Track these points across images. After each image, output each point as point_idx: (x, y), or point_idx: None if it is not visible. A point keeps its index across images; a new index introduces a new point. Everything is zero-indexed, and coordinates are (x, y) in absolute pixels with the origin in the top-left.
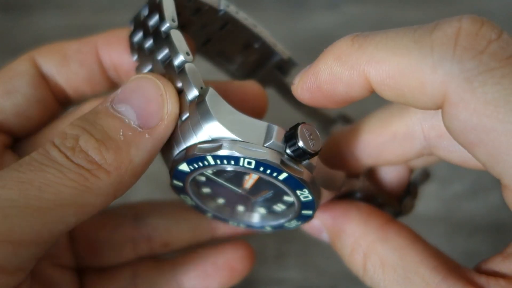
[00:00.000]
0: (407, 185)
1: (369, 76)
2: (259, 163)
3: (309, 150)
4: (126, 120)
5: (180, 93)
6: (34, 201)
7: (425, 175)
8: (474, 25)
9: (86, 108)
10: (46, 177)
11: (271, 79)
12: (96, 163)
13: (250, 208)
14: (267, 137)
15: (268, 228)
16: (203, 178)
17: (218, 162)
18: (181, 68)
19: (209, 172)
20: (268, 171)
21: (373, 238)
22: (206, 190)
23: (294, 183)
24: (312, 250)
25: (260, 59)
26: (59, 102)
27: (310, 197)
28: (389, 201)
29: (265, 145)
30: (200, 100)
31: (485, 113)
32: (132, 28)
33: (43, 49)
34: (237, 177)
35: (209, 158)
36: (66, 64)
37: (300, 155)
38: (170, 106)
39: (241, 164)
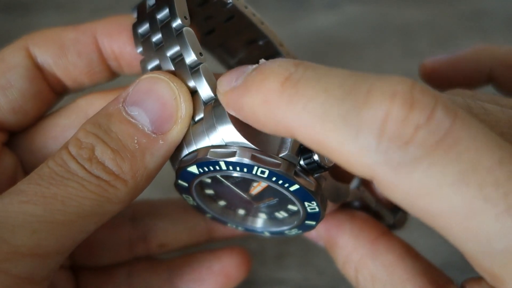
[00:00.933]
0: None
1: (295, 135)
2: (272, 173)
3: (324, 164)
4: (140, 126)
5: (193, 93)
6: (58, 215)
7: None
8: (403, 108)
9: (82, 103)
10: (68, 191)
11: None
12: (113, 174)
13: (251, 213)
14: (282, 147)
15: (267, 234)
16: (208, 180)
17: (231, 168)
18: (195, 68)
19: (217, 175)
20: (280, 182)
21: (364, 253)
22: (209, 191)
23: (304, 195)
24: (312, 250)
25: (262, 57)
26: (56, 93)
27: (317, 209)
28: (385, 213)
29: (280, 155)
30: (216, 104)
31: (416, 198)
32: (135, 17)
33: (37, 38)
34: (245, 183)
35: (222, 164)
36: (63, 55)
37: (314, 169)
38: (184, 110)
39: (254, 172)
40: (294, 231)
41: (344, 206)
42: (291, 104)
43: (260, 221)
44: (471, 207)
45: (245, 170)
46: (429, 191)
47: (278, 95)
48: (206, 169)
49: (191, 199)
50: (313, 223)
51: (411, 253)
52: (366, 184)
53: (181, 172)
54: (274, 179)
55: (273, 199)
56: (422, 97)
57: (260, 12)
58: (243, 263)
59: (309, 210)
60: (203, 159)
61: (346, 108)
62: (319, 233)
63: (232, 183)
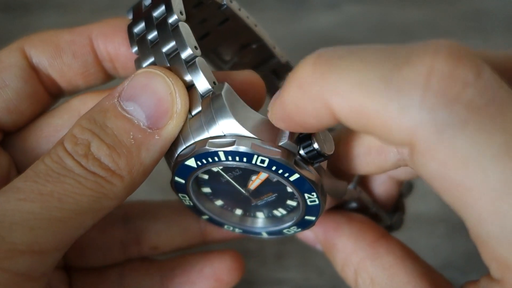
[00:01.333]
0: (397, 200)
1: (332, 108)
2: (272, 161)
3: (323, 152)
4: (135, 121)
5: (189, 87)
6: (55, 212)
7: (409, 187)
8: (449, 63)
9: (75, 102)
10: (65, 187)
11: (265, 83)
12: (110, 170)
13: (248, 212)
14: (281, 136)
15: (265, 235)
16: (205, 176)
17: (230, 158)
18: (191, 62)
19: (215, 169)
20: (280, 171)
21: (364, 255)
22: (206, 189)
23: (304, 185)
24: (312, 250)
25: (255, 61)
26: (51, 95)
27: (317, 202)
28: (383, 214)
29: (279, 144)
30: (215, 95)
31: (453, 167)
32: (130, 18)
33: (33, 39)
34: (243, 177)
35: (221, 154)
36: (58, 56)
37: (314, 157)
38: (180, 104)
39: (253, 161)
40: (293, 229)
41: (341, 208)
42: (325, 78)
43: (258, 221)
44: (509, 185)
45: (244, 159)
46: (468, 161)
47: (310, 74)
48: (205, 161)
49: (187, 198)
50: (313, 218)
51: (410, 256)
52: (363, 184)
53: (178, 167)
54: (274, 168)
55: (272, 195)
56: (468, 54)
57: (260, 12)
58: (235, 267)
59: (309, 203)
60: (202, 151)
61: (385, 70)
62: (316, 235)
63: (230, 178)
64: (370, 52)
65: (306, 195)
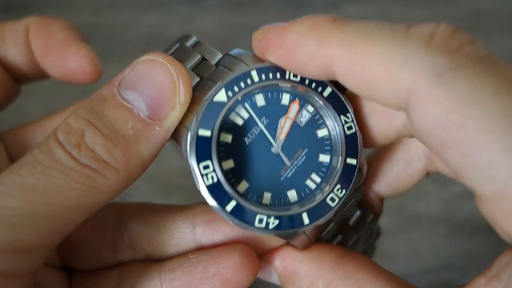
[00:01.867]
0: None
1: (335, 58)
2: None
3: None
4: (135, 110)
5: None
6: (39, 207)
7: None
8: (450, 29)
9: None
10: (50, 181)
11: None
12: (103, 162)
13: (278, 196)
14: None
15: (306, 219)
16: (229, 138)
17: (263, 77)
18: (196, 45)
19: (246, 114)
20: (313, 85)
21: (332, 277)
22: (228, 164)
23: (338, 104)
24: None
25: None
26: (14, 79)
27: (354, 129)
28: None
29: None
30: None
31: (455, 110)
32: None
33: None
34: (272, 123)
35: (253, 74)
36: (3, 44)
37: None
38: (183, 94)
39: (287, 77)
40: (337, 194)
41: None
42: (339, 30)
43: (293, 206)
44: None
45: (278, 75)
46: (468, 101)
47: (328, 23)
48: (236, 89)
49: (210, 169)
50: (354, 161)
51: (379, 269)
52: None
53: (205, 112)
54: (307, 82)
55: (302, 153)
56: (462, 31)
57: (260, 12)
58: (245, 263)
59: (347, 131)
60: (232, 76)
61: (393, 28)
62: (273, 265)
63: (263, 125)
64: (381, 21)
65: (343, 118)
